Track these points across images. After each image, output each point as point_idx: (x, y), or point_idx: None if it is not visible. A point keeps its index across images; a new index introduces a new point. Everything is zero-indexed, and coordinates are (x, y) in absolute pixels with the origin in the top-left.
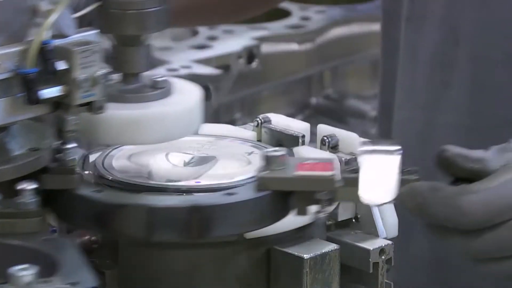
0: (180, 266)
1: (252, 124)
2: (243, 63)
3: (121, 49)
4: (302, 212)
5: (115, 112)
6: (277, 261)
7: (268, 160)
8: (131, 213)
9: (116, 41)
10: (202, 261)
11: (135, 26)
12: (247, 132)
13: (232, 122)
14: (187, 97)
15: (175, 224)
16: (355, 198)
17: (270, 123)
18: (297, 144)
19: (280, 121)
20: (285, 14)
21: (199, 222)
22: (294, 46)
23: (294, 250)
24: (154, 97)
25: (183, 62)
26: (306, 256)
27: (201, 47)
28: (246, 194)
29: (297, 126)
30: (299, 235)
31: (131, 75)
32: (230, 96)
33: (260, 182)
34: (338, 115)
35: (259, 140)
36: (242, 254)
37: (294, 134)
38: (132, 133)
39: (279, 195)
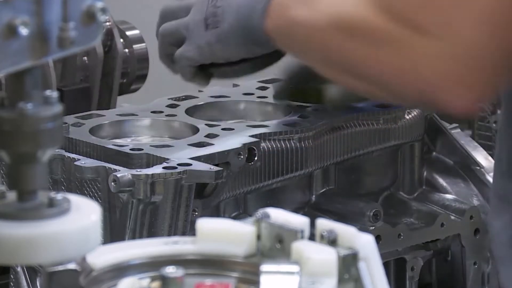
0: None
1: (251, 219)
2: (243, 160)
3: (15, 166)
4: None
5: (8, 231)
6: None
7: (165, 281)
8: None
9: (9, 158)
10: None
11: (30, 144)
12: (246, 226)
13: (233, 218)
14: (85, 215)
15: None
16: None
17: (269, 218)
18: (296, 239)
19: (280, 216)
20: (285, 112)
21: None
22: (294, 143)
23: None
24: (51, 216)
25: (182, 159)
26: None
27: (201, 144)
28: None
29: (296, 221)
30: None
31: (26, 193)
32: (230, 193)
33: None
34: (338, 212)
35: (258, 235)
36: None
37: (293, 229)
38: (27, 253)
39: None
